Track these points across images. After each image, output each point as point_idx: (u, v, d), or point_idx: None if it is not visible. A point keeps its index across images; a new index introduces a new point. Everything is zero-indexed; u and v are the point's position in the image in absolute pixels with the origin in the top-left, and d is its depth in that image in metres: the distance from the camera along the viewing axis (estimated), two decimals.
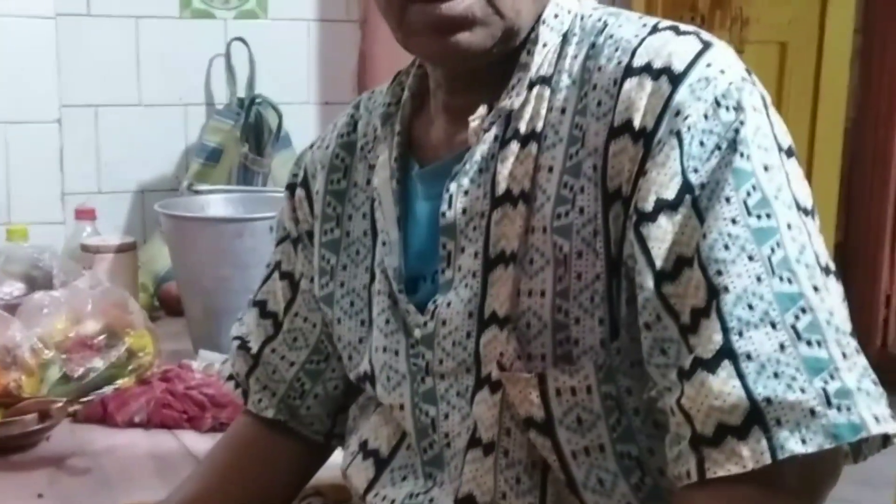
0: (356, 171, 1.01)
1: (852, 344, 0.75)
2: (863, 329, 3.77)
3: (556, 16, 0.88)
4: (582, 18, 0.88)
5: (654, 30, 0.82)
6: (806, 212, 0.77)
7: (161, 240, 2.13)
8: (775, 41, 3.22)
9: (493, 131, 0.86)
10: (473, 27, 0.83)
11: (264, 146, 2.39)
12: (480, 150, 0.86)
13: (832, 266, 0.77)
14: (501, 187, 0.85)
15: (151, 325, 1.65)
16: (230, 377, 1.13)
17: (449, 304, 0.87)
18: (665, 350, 0.77)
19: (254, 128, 2.39)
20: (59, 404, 1.40)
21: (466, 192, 0.86)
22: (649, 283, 0.76)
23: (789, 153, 0.79)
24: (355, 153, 1.02)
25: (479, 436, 0.86)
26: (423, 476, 0.93)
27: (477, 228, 0.86)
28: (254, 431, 1.11)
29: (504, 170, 0.85)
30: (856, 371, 0.73)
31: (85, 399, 1.50)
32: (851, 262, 3.74)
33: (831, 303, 0.74)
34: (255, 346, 1.10)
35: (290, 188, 1.09)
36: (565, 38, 0.87)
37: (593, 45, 0.85)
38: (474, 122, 0.87)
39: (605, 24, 0.86)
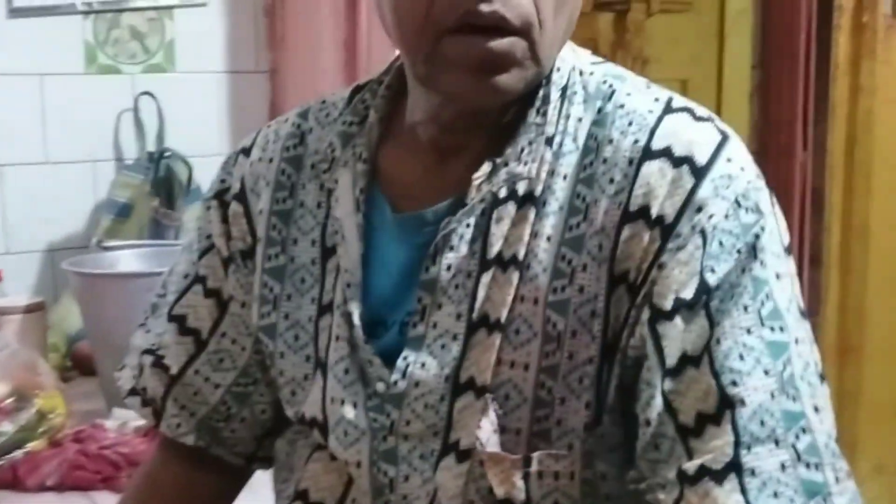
0: (304, 190, 0.93)
1: (844, 468, 0.76)
2: None
3: (557, 69, 0.84)
4: (581, 74, 0.85)
5: (669, 108, 0.81)
6: (805, 316, 0.79)
7: (72, 298, 2.10)
8: (676, 78, 3.30)
9: (492, 188, 0.82)
10: (512, 68, 0.78)
11: (175, 199, 2.37)
12: (477, 210, 0.82)
13: (822, 371, 0.79)
14: (494, 249, 0.81)
15: (62, 386, 1.63)
16: (132, 391, 1.04)
17: (423, 365, 0.83)
18: (658, 446, 0.76)
19: (164, 181, 2.38)
20: None
21: (452, 248, 0.83)
22: (657, 381, 0.76)
23: (788, 251, 0.80)
24: (303, 170, 0.94)
25: None
26: None
27: (460, 288, 0.82)
28: (170, 475, 1.05)
29: (498, 231, 0.81)
30: (846, 496, 0.75)
31: None
32: None
33: (828, 424, 0.76)
34: (174, 366, 1.01)
35: (219, 197, 0.98)
36: (564, 94, 0.84)
37: (600, 111, 0.82)
38: (477, 180, 0.82)
39: (613, 90, 0.83)
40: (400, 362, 0.84)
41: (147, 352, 1.03)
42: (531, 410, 0.80)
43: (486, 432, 0.81)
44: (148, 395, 1.03)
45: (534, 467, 0.81)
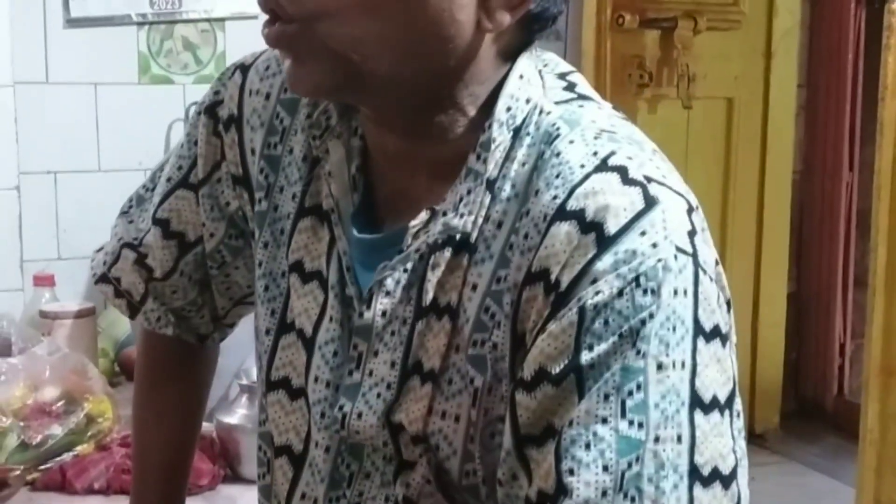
0: (295, 137, 0.90)
1: None
2: (819, 378, 3.83)
3: (508, 109, 0.79)
4: (540, 113, 0.79)
5: (604, 164, 0.74)
6: (706, 408, 0.71)
7: None
8: (722, 97, 3.30)
9: (427, 239, 0.79)
10: (305, 60, 0.77)
11: None
12: (413, 258, 0.79)
13: (724, 467, 0.71)
14: (429, 297, 0.78)
15: (111, 391, 1.65)
16: (104, 278, 1.06)
17: (360, 416, 0.81)
18: None
19: None
20: (17, 472, 1.40)
21: (388, 293, 0.80)
22: (509, 443, 0.74)
23: (712, 335, 0.72)
24: (297, 114, 0.90)
25: None
26: None
27: (396, 335, 0.80)
28: (170, 353, 1.10)
29: (433, 277, 0.78)
30: None
31: (43, 466, 1.50)
32: (805, 311, 3.81)
33: None
34: (159, 270, 1.02)
35: (210, 110, 0.96)
36: (517, 135, 0.78)
37: (541, 156, 0.77)
38: (414, 228, 0.79)
39: (558, 134, 0.77)
40: (336, 412, 0.83)
41: (128, 246, 1.04)
42: (460, 464, 0.79)
43: (414, 487, 0.81)
44: (123, 287, 1.06)
45: None
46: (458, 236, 0.77)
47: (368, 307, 0.81)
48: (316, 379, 0.86)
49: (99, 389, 1.61)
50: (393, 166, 0.84)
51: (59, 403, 1.56)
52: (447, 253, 0.78)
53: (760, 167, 3.41)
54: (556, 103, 0.80)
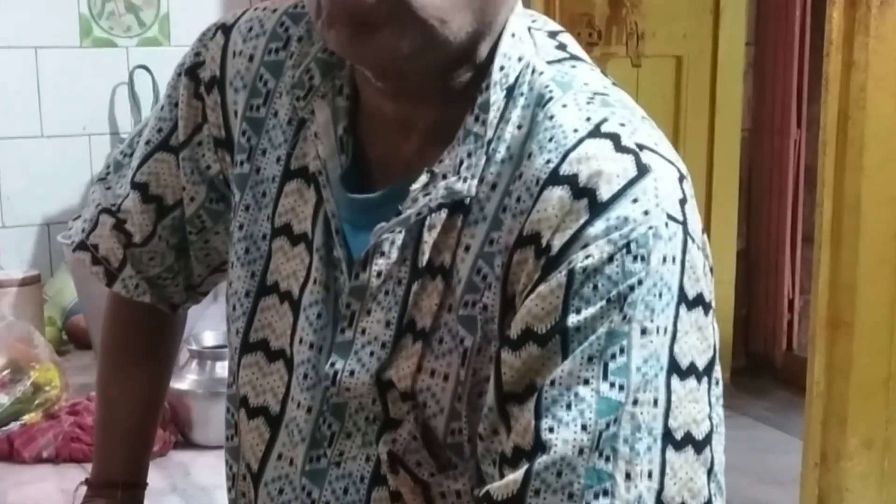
0: (279, 100, 0.89)
1: None
2: (768, 333, 3.89)
3: (501, 68, 0.78)
4: (533, 72, 0.79)
5: (597, 130, 0.75)
6: (682, 374, 0.72)
7: (67, 272, 2.11)
8: (671, 55, 3.31)
9: (429, 203, 0.78)
10: (384, 27, 0.73)
11: None
12: (412, 220, 0.79)
13: (697, 433, 0.73)
14: (424, 258, 0.79)
15: (57, 359, 1.64)
16: (82, 245, 1.05)
17: (352, 373, 0.82)
18: (494, 462, 0.76)
19: None
20: None
21: (383, 253, 0.80)
22: (491, 400, 0.75)
23: (694, 303, 0.73)
24: (281, 77, 0.89)
25: (386, 476, 0.83)
26: (299, 488, 0.88)
27: (390, 294, 0.81)
28: (140, 320, 1.10)
29: (430, 238, 0.79)
30: None
31: None
32: (754, 268, 3.85)
33: (635, 494, 0.70)
34: (138, 235, 1.01)
35: (191, 72, 0.95)
36: (511, 95, 0.78)
37: (535, 119, 0.77)
38: (414, 192, 0.78)
39: (551, 97, 0.77)
40: (328, 368, 0.83)
41: (107, 211, 1.03)
42: (446, 422, 0.80)
43: (400, 444, 0.81)
44: (101, 253, 1.04)
45: (434, 490, 0.82)
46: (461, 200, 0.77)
47: (364, 268, 0.81)
48: (300, 340, 0.86)
49: (45, 358, 1.60)
50: (386, 129, 0.83)
51: (5, 372, 1.55)
52: (443, 214, 0.78)
53: (710, 125, 3.43)
54: (549, 63, 0.80)
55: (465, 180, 0.77)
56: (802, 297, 3.72)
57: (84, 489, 1.12)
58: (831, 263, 2.06)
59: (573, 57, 0.82)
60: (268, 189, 0.89)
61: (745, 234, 3.81)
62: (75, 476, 1.38)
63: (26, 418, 1.52)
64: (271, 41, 0.90)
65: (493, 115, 0.78)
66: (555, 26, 0.86)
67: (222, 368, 1.57)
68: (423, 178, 0.79)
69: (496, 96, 0.78)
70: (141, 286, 1.04)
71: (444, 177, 0.78)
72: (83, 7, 2.45)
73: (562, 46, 0.83)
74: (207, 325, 1.72)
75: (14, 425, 1.50)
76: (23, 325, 1.64)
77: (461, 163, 0.78)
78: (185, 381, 1.58)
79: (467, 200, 0.78)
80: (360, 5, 0.73)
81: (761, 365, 3.86)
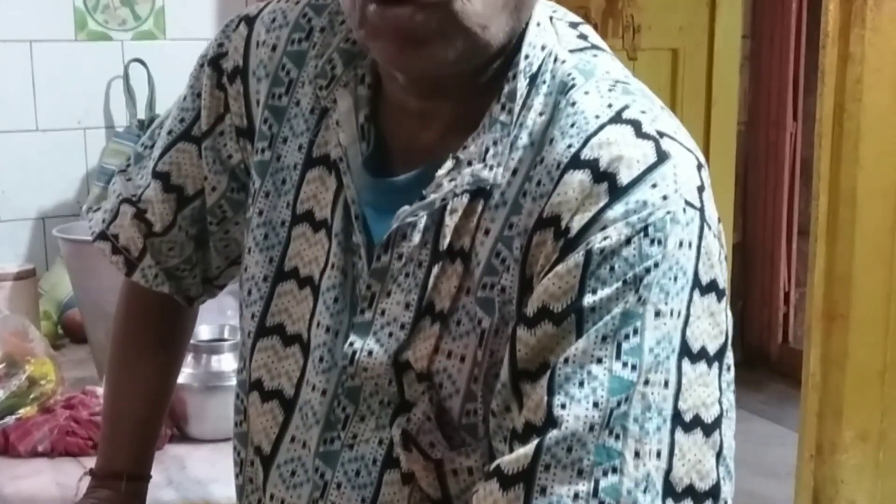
0: (302, 90, 0.90)
1: None
2: (764, 326, 3.89)
3: (526, 56, 0.80)
4: (555, 60, 0.81)
5: (618, 117, 0.76)
6: (693, 357, 0.74)
7: (63, 266, 2.10)
8: (667, 48, 3.30)
9: (454, 189, 0.80)
10: (433, 41, 0.75)
11: None
12: (436, 205, 0.80)
13: (706, 416, 0.74)
14: (446, 241, 0.80)
15: (53, 353, 1.63)
16: (102, 235, 1.06)
17: (370, 353, 0.83)
18: (505, 438, 0.77)
19: None
20: None
21: (405, 236, 0.82)
22: (505, 377, 0.76)
23: (708, 289, 0.75)
24: (304, 67, 0.90)
25: (400, 460, 0.84)
26: (312, 470, 0.89)
27: (410, 276, 0.82)
28: (155, 311, 1.11)
29: (451, 223, 0.80)
30: None
31: None
32: (750, 260, 3.86)
33: (643, 472, 0.71)
34: (158, 224, 1.03)
35: (214, 62, 0.96)
36: (533, 83, 0.80)
37: (557, 106, 0.78)
38: (439, 177, 0.80)
39: (573, 84, 0.79)
40: (346, 348, 0.84)
41: (127, 201, 1.04)
42: (462, 403, 0.81)
43: (414, 423, 0.82)
44: (121, 243, 1.05)
45: (447, 467, 0.83)
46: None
47: (386, 250, 0.82)
48: (318, 324, 0.88)
49: (41, 352, 1.59)
50: (408, 118, 0.85)
51: (0, 367, 1.54)
52: (465, 199, 0.80)
53: (706, 118, 3.43)
54: (571, 51, 0.82)
55: (490, 168, 0.79)
56: (798, 289, 3.73)
57: (87, 481, 1.12)
58: (827, 256, 2.06)
59: (594, 46, 0.84)
60: (288, 176, 0.90)
61: (741, 227, 3.81)
62: (71, 470, 1.38)
63: (21, 412, 1.51)
64: (294, 31, 0.92)
65: (517, 101, 0.79)
66: (574, 17, 0.87)
67: (218, 362, 1.57)
68: (449, 164, 0.80)
69: (521, 84, 0.80)
70: (160, 276, 1.05)
71: (470, 163, 0.80)
72: (78, 1, 2.44)
73: (583, 36, 0.85)
74: (203, 318, 1.71)
75: (9, 419, 1.50)
76: (18, 319, 1.64)
77: (486, 150, 0.79)
78: (180, 374, 1.57)
79: (488, 186, 0.79)
80: (409, 21, 0.74)
81: (757, 358, 3.87)
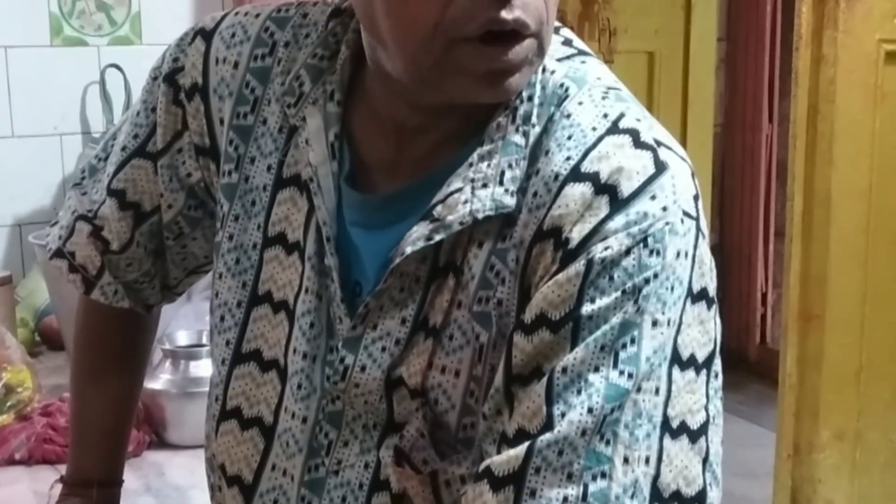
0: (268, 108, 0.88)
1: None
2: (742, 327, 3.91)
3: (541, 77, 0.80)
4: (544, 71, 0.80)
5: (615, 127, 0.77)
6: (683, 364, 0.74)
7: (40, 273, 2.09)
8: (643, 51, 3.31)
9: (476, 214, 0.78)
10: (524, 68, 0.76)
11: None
12: (454, 229, 0.78)
13: (692, 422, 0.74)
14: (444, 257, 0.80)
15: (30, 360, 1.63)
16: (59, 253, 1.04)
17: (363, 369, 0.82)
18: (495, 441, 0.77)
19: None
20: None
21: (403, 253, 0.79)
22: (499, 382, 0.76)
23: (699, 297, 0.76)
24: (269, 84, 0.88)
25: (389, 481, 0.83)
26: (296, 499, 0.87)
27: (405, 291, 0.81)
28: (113, 320, 1.08)
29: (450, 237, 0.79)
30: None
31: None
32: (727, 262, 3.88)
33: (631, 478, 0.72)
34: (115, 243, 1.00)
35: (169, 78, 0.93)
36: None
37: (551, 119, 0.78)
38: (452, 198, 0.78)
39: (567, 95, 0.79)
40: (337, 364, 0.83)
41: (83, 218, 1.02)
42: (458, 417, 0.80)
43: (409, 439, 0.82)
44: (77, 261, 1.03)
45: (440, 478, 0.82)
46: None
47: (392, 273, 0.80)
48: (294, 350, 0.86)
49: (17, 359, 1.59)
50: (396, 133, 0.83)
51: None
52: (491, 223, 0.78)
53: (682, 120, 3.44)
54: (559, 60, 0.81)
55: (512, 194, 0.77)
56: (775, 290, 3.75)
57: (59, 488, 1.12)
58: (802, 256, 2.08)
59: (581, 52, 0.84)
60: (257, 198, 0.88)
61: (717, 229, 3.83)
62: (48, 477, 1.37)
63: None
64: (256, 47, 0.89)
65: (531, 124, 0.79)
66: (555, 22, 0.86)
67: (196, 368, 1.57)
68: (459, 184, 0.78)
69: (536, 107, 0.79)
70: (119, 292, 1.04)
71: (485, 185, 0.78)
72: (53, 6, 2.43)
73: (567, 42, 0.85)
74: (181, 324, 1.72)
75: None
76: None
77: (503, 173, 0.78)
78: (158, 380, 1.57)
79: (509, 212, 0.77)
80: (509, 56, 0.74)
81: (735, 359, 3.88)
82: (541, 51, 0.77)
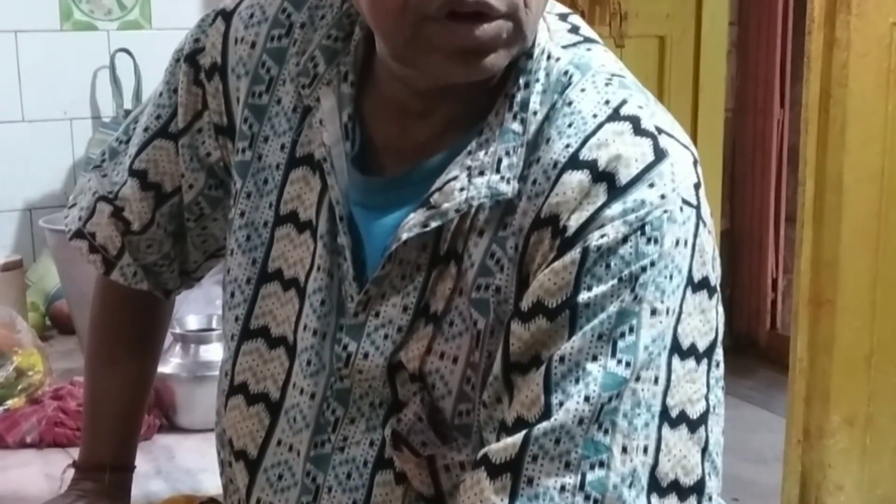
0: (283, 87, 0.89)
1: None
2: (752, 313, 3.90)
3: (538, 62, 0.80)
4: (549, 58, 0.80)
5: (616, 114, 0.76)
6: (683, 354, 0.74)
7: (50, 257, 2.10)
8: (654, 35, 3.30)
9: (471, 202, 0.78)
10: (499, 49, 0.75)
11: None
12: (451, 216, 0.79)
13: (692, 412, 0.75)
14: (446, 245, 0.80)
15: (40, 344, 1.63)
16: (79, 234, 1.04)
17: (366, 356, 0.83)
18: (495, 429, 0.77)
19: None
20: None
21: (405, 242, 0.80)
22: (497, 369, 0.76)
23: (700, 286, 0.76)
24: (285, 64, 0.89)
25: (393, 460, 0.84)
26: (301, 473, 0.88)
27: (407, 279, 0.82)
28: (130, 304, 1.09)
29: (451, 225, 0.80)
30: None
31: None
32: (738, 248, 3.87)
33: (629, 468, 0.72)
34: (136, 223, 1.01)
35: (191, 58, 0.95)
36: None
37: (553, 107, 0.78)
38: (450, 186, 0.78)
39: (570, 82, 0.79)
40: (340, 351, 0.84)
41: (104, 199, 1.02)
42: (455, 403, 0.81)
43: (405, 423, 0.82)
44: (98, 241, 1.04)
45: (438, 462, 0.83)
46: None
47: (391, 259, 0.81)
48: (304, 327, 0.87)
49: (28, 343, 1.59)
50: (401, 116, 0.83)
51: None
52: (486, 211, 0.79)
53: (693, 105, 3.43)
54: (564, 47, 0.81)
55: (508, 181, 0.78)
56: (786, 276, 3.74)
57: (72, 472, 1.12)
58: (813, 242, 2.07)
59: (587, 39, 0.83)
60: (270, 176, 0.89)
61: (728, 214, 3.82)
62: (59, 461, 1.38)
63: (9, 403, 1.51)
64: (273, 28, 0.90)
65: (529, 112, 0.79)
66: (563, 8, 0.87)
67: (206, 352, 1.57)
68: (456, 172, 0.79)
69: (535, 95, 0.79)
70: (138, 274, 1.04)
71: (482, 173, 0.78)
72: None
73: (574, 29, 0.84)
74: (191, 308, 1.72)
75: None
76: (5, 310, 1.63)
77: (500, 161, 0.78)
78: (169, 364, 1.57)
79: (506, 199, 0.78)
80: (479, 35, 0.74)
81: (745, 344, 3.88)
82: (519, 33, 0.76)
